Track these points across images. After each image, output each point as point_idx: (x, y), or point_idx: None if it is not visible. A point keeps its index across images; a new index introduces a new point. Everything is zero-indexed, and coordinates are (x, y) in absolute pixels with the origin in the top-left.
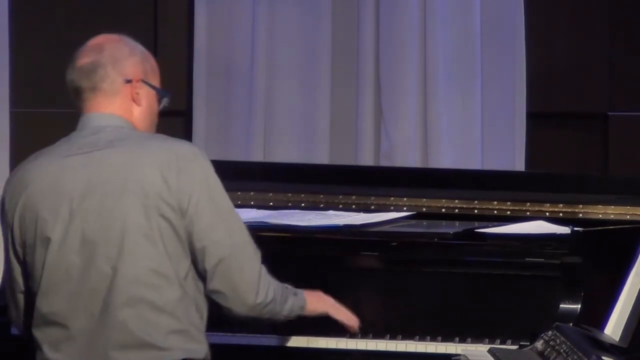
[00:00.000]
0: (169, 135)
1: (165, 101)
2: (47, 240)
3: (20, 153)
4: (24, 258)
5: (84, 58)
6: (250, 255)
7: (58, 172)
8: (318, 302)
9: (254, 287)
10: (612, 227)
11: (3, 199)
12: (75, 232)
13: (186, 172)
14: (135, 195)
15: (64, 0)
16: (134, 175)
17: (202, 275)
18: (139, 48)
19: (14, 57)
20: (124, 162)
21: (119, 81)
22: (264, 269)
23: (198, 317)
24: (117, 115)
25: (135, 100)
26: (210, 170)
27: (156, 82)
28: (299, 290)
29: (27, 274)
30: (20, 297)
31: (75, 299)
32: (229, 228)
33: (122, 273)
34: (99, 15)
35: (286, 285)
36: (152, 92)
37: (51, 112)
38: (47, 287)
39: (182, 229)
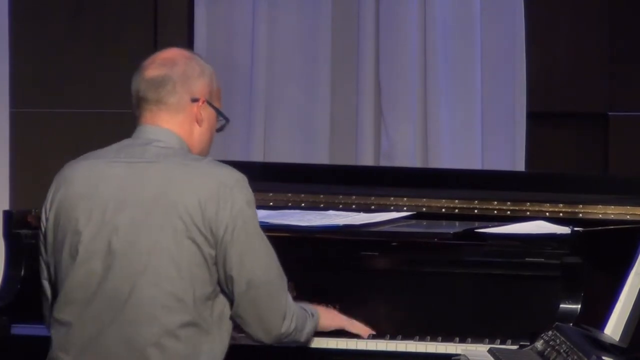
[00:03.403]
0: None
1: (222, 123)
2: (77, 243)
3: (20, 153)
4: (54, 253)
5: (155, 70)
6: (278, 287)
7: (99, 177)
8: (332, 320)
9: (279, 318)
10: (612, 227)
11: (49, 191)
12: (102, 240)
13: (224, 202)
14: (167, 215)
15: (64, 1)
16: (169, 195)
17: (228, 301)
18: (209, 69)
19: (14, 57)
20: (164, 180)
21: (185, 99)
22: (289, 298)
23: (209, 344)
24: (174, 133)
25: (197, 120)
26: (249, 199)
27: (219, 103)
28: (313, 309)
29: (55, 270)
30: (47, 287)
31: (89, 306)
32: (259, 259)
33: (140, 291)
34: (99, 15)
35: (304, 307)
36: (213, 114)
37: (51, 112)
38: (67, 289)
39: (212, 256)
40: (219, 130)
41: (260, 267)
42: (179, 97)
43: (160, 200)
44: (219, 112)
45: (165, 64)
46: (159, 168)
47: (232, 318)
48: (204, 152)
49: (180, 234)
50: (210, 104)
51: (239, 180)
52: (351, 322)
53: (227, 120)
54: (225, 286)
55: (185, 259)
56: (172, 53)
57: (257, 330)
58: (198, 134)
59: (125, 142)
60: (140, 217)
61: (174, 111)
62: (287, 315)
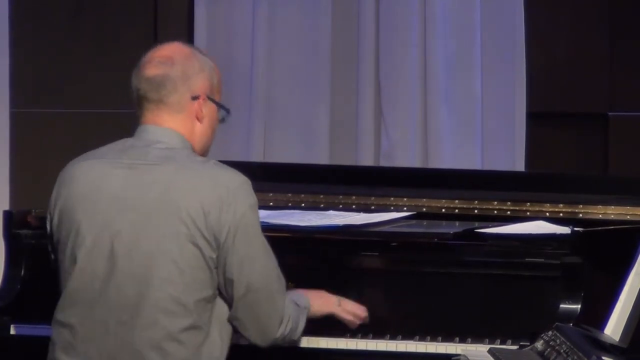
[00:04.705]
0: None
1: (224, 114)
2: (79, 245)
3: (20, 153)
4: (56, 254)
5: (154, 69)
6: (276, 290)
7: (100, 178)
8: (321, 306)
9: (277, 322)
10: (612, 227)
11: (53, 190)
12: (104, 244)
13: (227, 206)
14: (169, 219)
15: (64, 1)
16: (172, 198)
17: (227, 304)
18: (208, 63)
19: (14, 57)
20: (166, 183)
21: (186, 98)
22: (287, 301)
23: (209, 347)
24: (176, 132)
25: (198, 117)
26: (252, 203)
27: (219, 95)
28: (305, 299)
29: (58, 270)
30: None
31: (91, 309)
32: (259, 263)
33: (143, 294)
34: (99, 15)
35: (296, 300)
36: (214, 108)
37: (51, 112)
38: (70, 289)
39: (214, 259)
40: (221, 121)
41: (260, 271)
42: (179, 96)
43: (162, 203)
44: (219, 106)
45: (164, 62)
46: (162, 171)
47: (229, 321)
48: (206, 147)
49: (183, 238)
50: (210, 98)
51: (243, 184)
52: (343, 308)
53: (228, 111)
54: (224, 289)
55: (187, 263)
56: (172, 50)
57: (253, 334)
58: (199, 130)
59: (128, 142)
60: (142, 220)
61: (175, 111)
62: (284, 318)
